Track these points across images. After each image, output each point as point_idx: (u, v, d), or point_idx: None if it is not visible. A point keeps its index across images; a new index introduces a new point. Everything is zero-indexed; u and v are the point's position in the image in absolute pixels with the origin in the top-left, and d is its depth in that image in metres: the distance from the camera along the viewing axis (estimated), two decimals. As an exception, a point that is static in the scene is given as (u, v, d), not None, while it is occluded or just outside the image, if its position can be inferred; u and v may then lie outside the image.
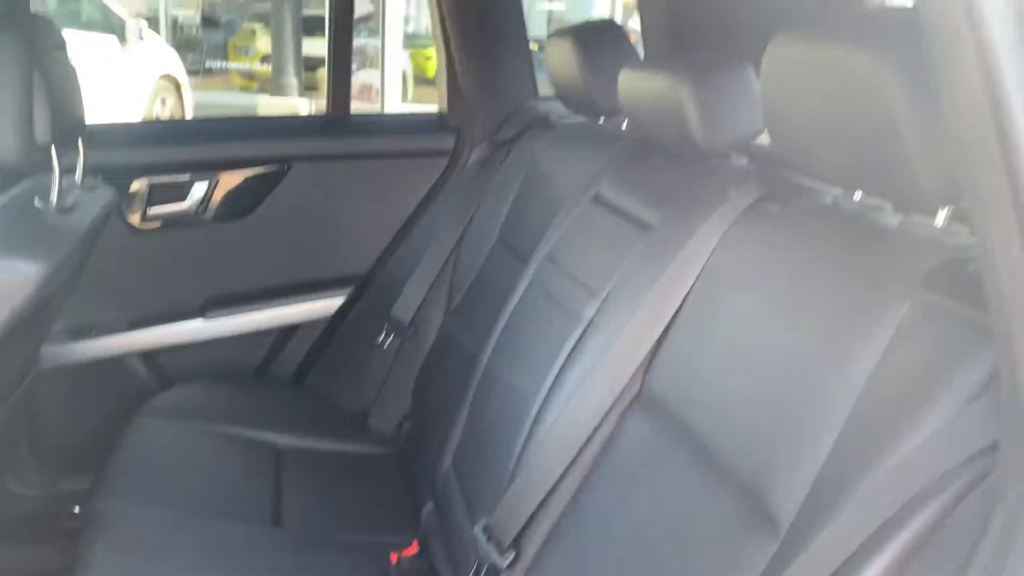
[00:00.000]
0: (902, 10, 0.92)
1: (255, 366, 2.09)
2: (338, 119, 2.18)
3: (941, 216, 0.87)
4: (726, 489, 0.95)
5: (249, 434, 1.75)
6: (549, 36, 1.77)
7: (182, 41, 10.63)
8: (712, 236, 1.15)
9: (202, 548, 1.39)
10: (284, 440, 1.77)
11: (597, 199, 1.49)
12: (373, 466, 1.80)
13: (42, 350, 1.75)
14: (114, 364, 1.95)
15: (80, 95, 1.58)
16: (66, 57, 1.53)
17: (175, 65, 7.23)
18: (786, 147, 1.04)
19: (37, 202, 1.40)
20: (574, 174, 1.61)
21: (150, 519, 1.42)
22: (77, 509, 1.76)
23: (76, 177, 1.53)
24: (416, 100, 9.94)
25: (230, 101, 9.30)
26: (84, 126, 1.57)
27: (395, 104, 9.86)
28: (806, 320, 0.95)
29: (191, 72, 8.26)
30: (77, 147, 1.54)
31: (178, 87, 7.20)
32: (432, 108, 2.27)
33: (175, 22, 10.99)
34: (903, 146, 0.81)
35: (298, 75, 8.84)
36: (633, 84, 1.41)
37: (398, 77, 9.99)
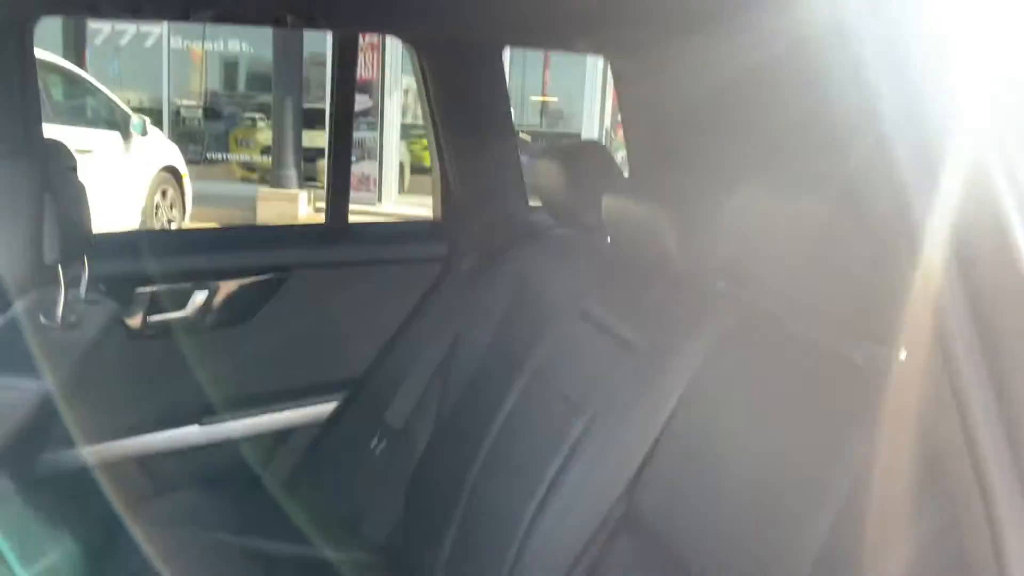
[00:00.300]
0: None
1: (249, 472, 2.10)
2: (336, 229, 2.25)
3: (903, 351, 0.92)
4: None
5: (242, 542, 1.76)
6: (538, 156, 1.85)
7: (184, 132, 10.87)
8: (692, 360, 1.20)
9: None
10: (276, 548, 1.77)
11: (584, 316, 1.54)
12: (364, 573, 1.80)
13: (39, 459, 1.77)
14: (110, 470, 1.97)
15: (88, 213, 1.64)
16: (76, 178, 1.60)
17: (176, 157, 7.40)
18: (756, 279, 1.10)
19: (42, 319, 1.45)
20: (562, 288, 1.67)
21: None
22: None
23: (80, 291, 1.58)
24: (412, 190, 10.15)
25: (230, 192, 9.47)
26: (91, 243, 1.63)
27: (392, 194, 10.08)
28: (782, 448, 0.99)
29: (192, 162, 8.43)
30: (83, 262, 1.59)
31: (179, 178, 7.35)
32: (427, 197, 2.33)
33: (178, 112, 11.25)
34: (861, 284, 0.87)
35: (297, 166, 9.02)
36: (616, 208, 1.49)
37: (395, 168, 10.23)
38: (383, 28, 2.47)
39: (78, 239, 1.55)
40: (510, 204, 2.22)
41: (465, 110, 2.18)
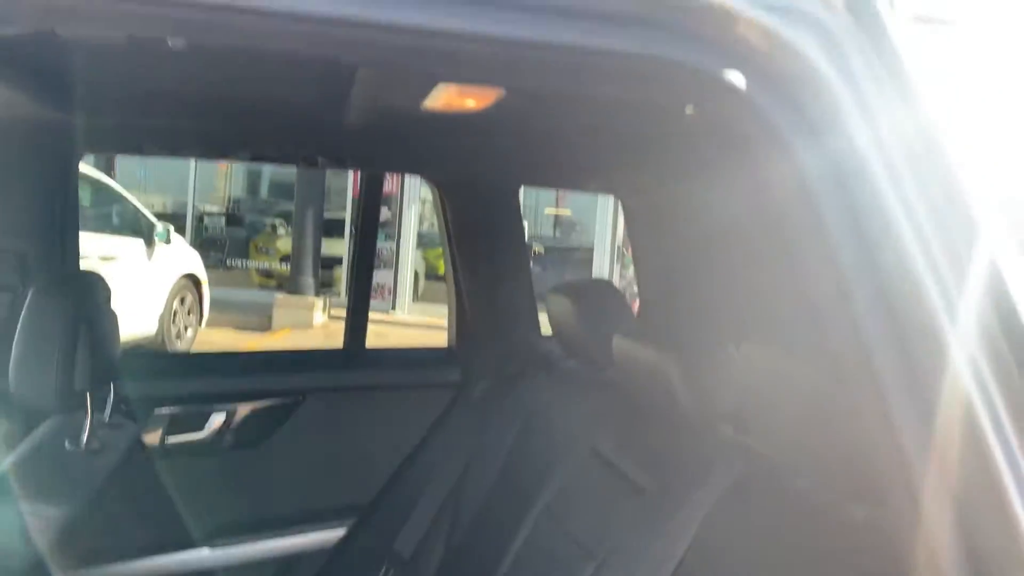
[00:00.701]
0: None
1: None
2: (353, 353, 2.31)
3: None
4: None
5: None
6: (549, 291, 1.91)
7: (206, 239, 11.11)
8: (701, 508, 1.23)
9: None
10: None
11: (594, 453, 1.58)
12: None
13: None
14: None
15: (118, 341, 1.71)
16: (110, 309, 1.67)
17: (196, 265, 7.56)
18: (761, 429, 1.15)
19: (67, 444, 1.49)
20: (572, 423, 1.71)
21: None
22: None
23: (105, 415, 1.63)
24: (426, 297, 10.28)
25: (248, 298, 9.61)
26: (118, 369, 1.69)
27: (406, 302, 10.20)
28: None
29: (212, 267, 8.59)
30: (109, 388, 1.65)
31: (198, 285, 7.49)
32: (440, 304, 2.39)
33: (201, 219, 11.52)
34: (858, 444, 0.91)
35: (315, 275, 9.17)
36: (626, 349, 1.54)
37: (410, 276, 10.39)
38: (409, 170, 2.60)
39: (107, 366, 1.61)
40: (523, 334, 2.28)
41: (482, 244, 2.27)
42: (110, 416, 1.66)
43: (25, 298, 1.48)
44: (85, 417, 1.53)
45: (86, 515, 1.50)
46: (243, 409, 2.11)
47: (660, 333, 1.53)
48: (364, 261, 2.29)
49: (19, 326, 1.47)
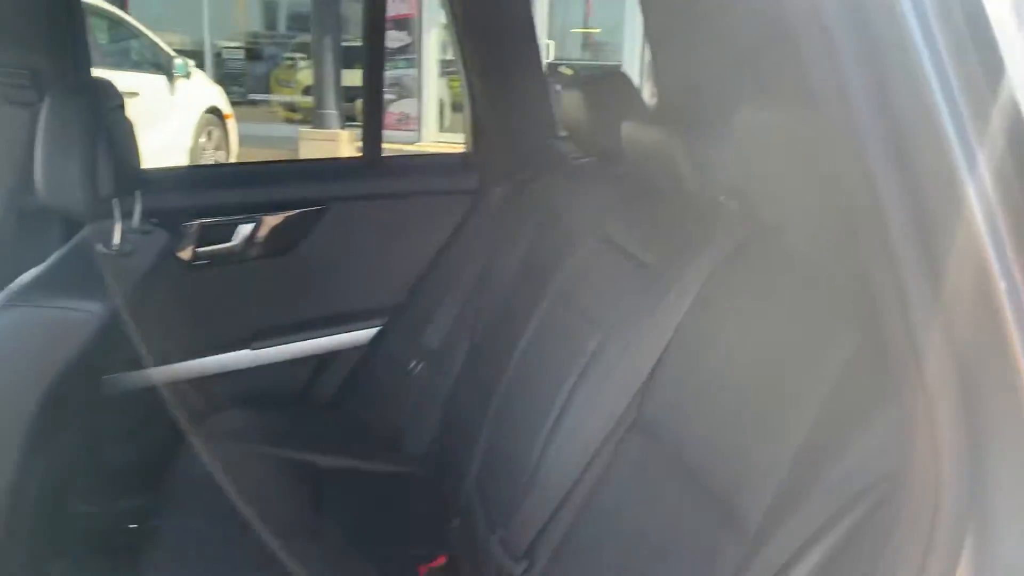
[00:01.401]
0: None
1: (297, 391, 2.25)
2: (371, 162, 2.34)
3: None
4: (706, 503, 1.07)
5: (292, 455, 1.90)
6: (563, 87, 1.90)
7: (226, 74, 10.97)
8: (701, 274, 1.27)
9: (247, 558, 1.53)
10: (324, 461, 1.91)
11: (604, 238, 1.62)
12: (405, 485, 1.93)
13: (104, 379, 1.92)
14: (169, 391, 2.12)
15: (137, 149, 1.75)
16: (124, 115, 1.70)
17: (219, 99, 7.53)
18: (761, 195, 1.17)
19: (100, 248, 1.57)
20: (584, 214, 1.75)
21: (201, 532, 1.57)
22: (135, 525, 1.91)
23: (134, 223, 1.70)
24: (453, 128, 10.17)
25: (273, 133, 9.58)
26: (141, 177, 1.74)
27: (432, 132, 10.11)
28: (776, 350, 1.08)
29: (235, 104, 8.55)
30: (135, 196, 1.71)
31: (223, 119, 7.49)
32: None
33: (219, 55, 11.33)
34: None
35: (339, 107, 9.06)
36: (634, 135, 1.55)
37: (435, 106, 10.23)
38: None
39: (130, 174, 1.66)
40: (538, 136, 2.28)
41: (494, 45, 2.24)
42: (139, 224, 1.72)
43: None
44: (115, 223, 1.59)
45: (124, 315, 1.58)
46: (270, 219, 2.18)
47: (669, 118, 1.53)
48: (374, 61, 2.27)
49: (40, 135, 1.51)
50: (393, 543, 1.70)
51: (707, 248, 1.29)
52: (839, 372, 0.95)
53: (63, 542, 1.85)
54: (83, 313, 1.35)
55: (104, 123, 1.54)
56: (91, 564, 1.91)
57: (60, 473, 1.70)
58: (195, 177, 2.34)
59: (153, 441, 2.01)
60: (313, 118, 9.23)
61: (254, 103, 11.01)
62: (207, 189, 2.20)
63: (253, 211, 2.16)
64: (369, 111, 2.31)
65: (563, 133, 2.20)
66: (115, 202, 1.55)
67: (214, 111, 7.38)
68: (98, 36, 6.14)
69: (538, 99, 2.30)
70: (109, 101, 1.62)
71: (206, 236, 2.13)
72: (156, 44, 6.68)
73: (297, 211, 2.20)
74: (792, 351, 1.05)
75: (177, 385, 2.13)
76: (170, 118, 6.50)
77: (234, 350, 2.17)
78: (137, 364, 2.06)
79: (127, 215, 1.61)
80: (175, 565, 1.48)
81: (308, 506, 1.74)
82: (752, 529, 0.97)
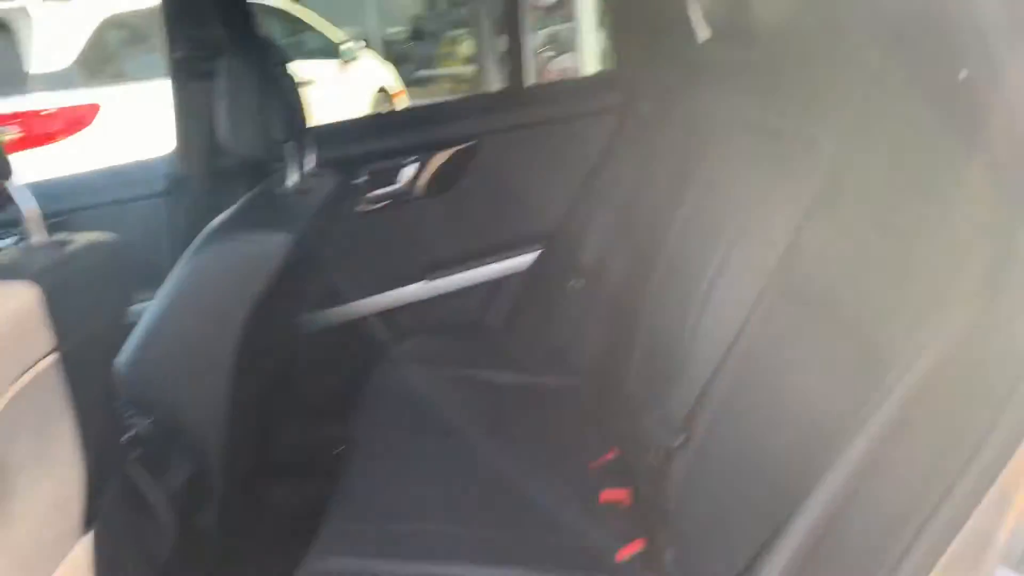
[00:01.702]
0: None
1: (471, 317, 2.40)
2: (515, 92, 2.42)
3: None
4: (859, 361, 1.08)
5: (471, 373, 2.03)
6: None
7: (392, 57, 11.42)
8: (833, 137, 1.26)
9: (439, 464, 1.67)
10: (500, 378, 2.03)
11: (745, 124, 1.62)
12: (574, 394, 2.02)
13: (300, 318, 2.13)
14: (357, 324, 2.32)
15: (302, 102, 1.91)
16: (287, 71, 1.87)
17: (389, 79, 7.88)
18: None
19: (278, 189, 1.74)
20: (726, 107, 1.74)
21: (397, 443, 1.73)
22: (337, 450, 2.10)
23: (308, 167, 1.86)
24: (615, 78, 10.03)
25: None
26: (309, 127, 1.90)
27: (594, 84, 10.02)
28: (928, 196, 1.06)
29: (406, 82, 8.89)
30: (305, 144, 1.87)
31: (392, 98, 7.84)
32: None
33: (384, 39, 11.81)
34: None
35: (501, 71, 9.20)
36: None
37: (596, 60, 10.15)
38: None
39: (298, 122, 1.83)
40: (677, 45, 2.27)
41: None
42: (313, 169, 1.88)
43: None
44: (290, 165, 1.75)
45: (311, 249, 1.73)
46: (429, 160, 2.32)
47: None
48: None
49: (220, 91, 1.69)
50: (565, 446, 1.79)
51: (835, 111, 1.27)
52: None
53: (274, 465, 2.06)
54: (271, 245, 1.49)
55: (272, 75, 1.70)
56: (297, 485, 2.09)
57: (267, 401, 1.90)
58: (356, 127, 2.51)
59: (346, 369, 2.19)
60: (481, 85, 9.40)
61: (422, 81, 11.39)
62: (368, 138, 2.36)
63: (414, 152, 2.30)
64: (511, 45, 2.39)
65: (703, 38, 2.18)
66: (288, 145, 1.72)
67: (385, 91, 7.73)
68: (272, 31, 6.57)
69: (676, 7, 2.28)
70: (274, 57, 1.78)
71: (373, 181, 2.29)
72: (325, 35, 7.09)
73: (452, 149, 2.32)
74: (943, 199, 1.02)
75: (365, 318, 2.33)
76: (345, 101, 6.88)
77: (412, 283, 2.34)
78: (328, 302, 2.28)
79: (300, 159, 1.78)
80: (378, 471, 1.63)
81: (489, 416, 1.86)
82: (891, 367, 0.98)
